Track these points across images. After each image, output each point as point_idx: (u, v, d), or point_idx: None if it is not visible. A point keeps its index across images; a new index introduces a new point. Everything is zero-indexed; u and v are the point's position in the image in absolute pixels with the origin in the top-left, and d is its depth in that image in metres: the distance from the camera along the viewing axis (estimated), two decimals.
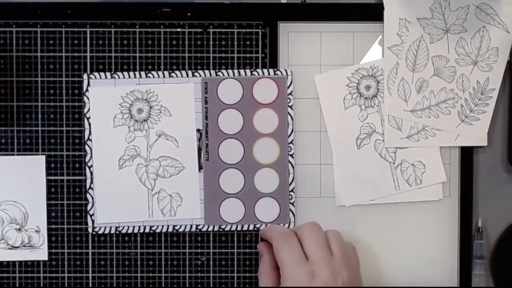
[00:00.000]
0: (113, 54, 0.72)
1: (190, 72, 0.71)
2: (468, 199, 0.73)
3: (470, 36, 0.72)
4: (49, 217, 0.72)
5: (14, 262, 0.72)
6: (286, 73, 0.72)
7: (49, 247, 0.72)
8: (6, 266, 0.73)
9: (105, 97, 0.71)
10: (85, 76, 0.71)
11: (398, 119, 0.72)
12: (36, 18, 0.72)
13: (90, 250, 0.73)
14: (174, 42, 0.72)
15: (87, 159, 0.71)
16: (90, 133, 0.71)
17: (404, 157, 0.73)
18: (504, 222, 0.74)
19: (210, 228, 0.72)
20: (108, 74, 0.71)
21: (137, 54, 0.72)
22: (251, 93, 0.71)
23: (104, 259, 0.73)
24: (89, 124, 0.71)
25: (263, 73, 0.71)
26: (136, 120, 0.71)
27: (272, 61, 0.72)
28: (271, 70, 0.71)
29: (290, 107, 0.72)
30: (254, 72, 0.71)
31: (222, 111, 0.72)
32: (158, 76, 0.71)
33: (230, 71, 0.71)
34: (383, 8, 0.72)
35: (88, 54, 0.72)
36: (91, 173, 0.71)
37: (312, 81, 0.72)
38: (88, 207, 0.72)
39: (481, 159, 0.74)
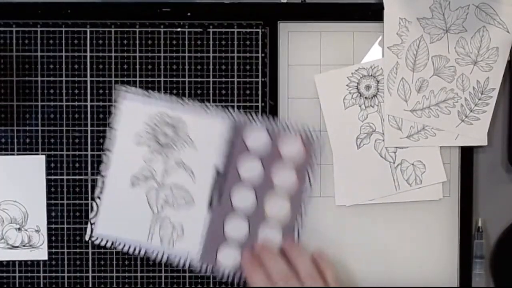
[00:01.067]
0: (113, 54, 0.72)
1: (224, 112, 0.71)
2: (468, 199, 0.73)
3: (470, 36, 0.72)
4: (49, 217, 0.72)
5: (14, 262, 0.72)
6: (317, 139, 0.72)
7: (49, 247, 0.72)
8: (6, 266, 0.73)
9: (135, 113, 0.71)
10: (117, 86, 0.71)
11: (398, 118, 0.72)
12: (36, 18, 0.72)
13: (90, 250, 0.73)
14: (174, 42, 0.72)
15: (102, 168, 0.71)
16: (112, 146, 0.71)
17: (404, 156, 0.73)
18: (504, 222, 0.74)
19: (204, 267, 0.72)
20: (139, 90, 0.71)
21: (137, 54, 0.72)
22: (277, 148, 0.71)
23: (104, 259, 0.73)
24: (113, 135, 0.71)
25: (293, 128, 0.71)
26: (159, 144, 0.70)
27: (272, 61, 0.72)
28: (302, 129, 0.71)
29: (310, 171, 0.71)
30: (285, 127, 0.71)
31: (244, 156, 0.71)
32: (192, 106, 0.71)
33: (260, 117, 0.71)
34: (383, 8, 0.72)
35: (88, 54, 0.72)
36: (103, 182, 0.71)
37: (312, 81, 0.72)
38: (91, 215, 0.72)
39: (481, 159, 0.74)
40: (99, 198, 0.71)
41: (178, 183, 0.71)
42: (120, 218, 0.71)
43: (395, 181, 0.73)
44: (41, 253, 0.72)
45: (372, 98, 0.72)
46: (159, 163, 0.71)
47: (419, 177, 0.73)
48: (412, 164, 0.73)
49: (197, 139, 0.71)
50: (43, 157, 0.72)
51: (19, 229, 0.72)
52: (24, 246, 0.72)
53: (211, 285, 0.73)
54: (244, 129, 0.71)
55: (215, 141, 0.71)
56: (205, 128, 0.71)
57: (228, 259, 0.71)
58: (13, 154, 0.72)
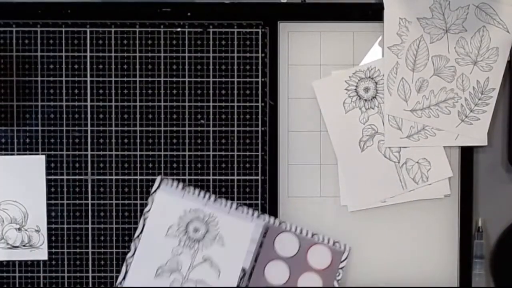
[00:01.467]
0: (113, 54, 0.72)
1: (256, 213, 0.71)
2: (468, 199, 0.73)
3: (470, 36, 0.72)
4: (49, 217, 0.72)
5: (14, 262, 0.72)
6: (345, 248, 0.72)
7: (49, 247, 0.72)
8: (6, 266, 0.73)
9: (169, 206, 0.71)
10: (158, 178, 0.71)
11: (398, 119, 0.72)
12: (36, 18, 0.72)
13: (90, 250, 0.73)
14: (174, 42, 0.72)
15: (128, 255, 0.72)
16: (141, 232, 0.71)
17: (409, 155, 0.73)
18: (504, 222, 0.74)
19: None
20: (180, 185, 0.71)
21: (137, 54, 0.72)
22: (305, 254, 0.71)
23: (104, 259, 0.73)
24: (144, 224, 0.71)
25: (323, 239, 0.71)
26: (189, 237, 0.71)
27: (272, 61, 0.72)
28: (331, 240, 0.71)
29: (337, 280, 0.71)
30: (315, 236, 0.71)
31: (272, 260, 0.71)
32: (225, 206, 0.71)
33: (292, 226, 0.71)
34: (383, 8, 0.72)
35: (88, 54, 0.72)
36: (126, 269, 0.71)
37: (312, 80, 0.72)
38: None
39: (481, 159, 0.74)
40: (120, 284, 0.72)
41: (203, 279, 0.71)
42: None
43: (402, 181, 0.73)
44: (41, 253, 0.72)
45: (371, 99, 0.72)
46: (186, 256, 0.71)
47: (425, 175, 0.73)
48: (417, 162, 0.73)
49: (227, 237, 0.71)
50: (43, 157, 0.72)
51: (19, 229, 0.72)
52: (24, 246, 0.72)
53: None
54: (274, 232, 0.72)
55: (245, 242, 0.71)
56: (236, 227, 0.71)
57: None
58: (13, 154, 0.72)
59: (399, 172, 0.72)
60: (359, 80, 0.72)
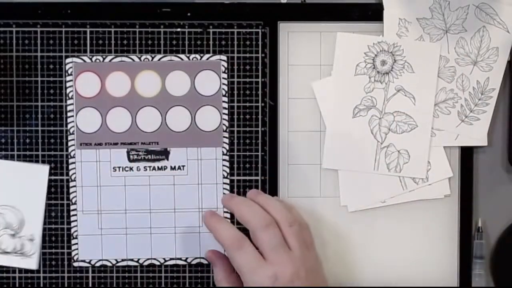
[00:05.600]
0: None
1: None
2: (468, 199, 0.73)
3: (470, 36, 0.72)
4: (49, 217, 0.72)
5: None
6: None
7: (43, 254, 0.72)
8: (3, 266, 0.72)
9: (352, 43, 0.71)
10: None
11: None
12: (36, 18, 0.72)
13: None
14: (174, 42, 0.72)
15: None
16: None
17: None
18: (504, 222, 0.74)
19: None
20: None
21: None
22: None
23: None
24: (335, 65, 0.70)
25: None
26: (378, 72, 0.71)
27: (272, 61, 0.72)
28: None
29: None
30: None
31: None
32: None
33: None
34: (382, 8, 0.72)
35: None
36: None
37: (312, 81, 0.72)
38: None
39: (481, 159, 0.74)
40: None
41: (399, 110, 0.71)
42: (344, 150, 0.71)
43: (401, 181, 0.73)
44: (31, 262, 0.72)
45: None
46: (379, 91, 0.70)
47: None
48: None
49: (414, 63, 0.70)
50: (47, 166, 0.71)
51: (13, 235, 0.71)
52: (15, 253, 0.71)
53: (211, 285, 0.73)
54: None
55: (433, 64, 0.70)
56: (422, 51, 0.70)
57: None
58: (13, 154, 0.72)
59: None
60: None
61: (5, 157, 0.72)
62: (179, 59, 0.72)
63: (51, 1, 0.72)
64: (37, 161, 0.72)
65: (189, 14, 0.72)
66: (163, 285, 0.73)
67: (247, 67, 0.72)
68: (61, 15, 0.72)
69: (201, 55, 0.72)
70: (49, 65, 0.72)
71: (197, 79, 0.72)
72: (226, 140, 0.72)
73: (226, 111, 0.72)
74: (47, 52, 0.72)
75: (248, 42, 0.72)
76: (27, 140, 0.72)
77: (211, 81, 0.72)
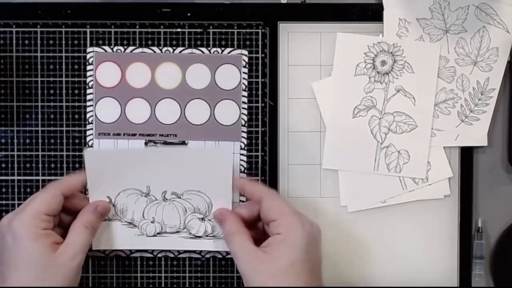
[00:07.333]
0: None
1: None
2: (468, 199, 0.73)
3: (470, 36, 0.72)
4: None
5: None
6: None
7: None
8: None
9: (352, 44, 0.71)
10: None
11: None
12: (36, 18, 0.72)
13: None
14: (174, 42, 0.72)
15: None
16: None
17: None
18: (504, 222, 0.74)
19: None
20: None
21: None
22: None
23: (104, 259, 0.73)
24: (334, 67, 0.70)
25: None
26: (378, 72, 0.70)
27: (272, 61, 0.72)
28: None
29: None
30: None
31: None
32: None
33: None
34: (382, 9, 0.72)
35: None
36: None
37: (312, 81, 0.72)
38: None
39: (481, 159, 0.74)
40: None
41: (399, 110, 0.71)
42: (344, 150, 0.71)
43: (401, 181, 0.73)
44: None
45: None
46: (379, 91, 0.70)
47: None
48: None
49: (414, 63, 0.70)
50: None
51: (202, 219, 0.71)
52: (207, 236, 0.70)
53: (211, 285, 0.73)
54: None
55: (433, 64, 0.70)
56: (422, 51, 0.70)
57: None
58: (13, 155, 0.72)
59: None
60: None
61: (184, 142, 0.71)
62: (200, 52, 0.72)
63: (51, 1, 0.72)
64: (37, 161, 0.72)
65: (189, 14, 0.72)
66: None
67: (247, 67, 0.72)
68: (61, 15, 0.72)
69: (223, 49, 0.72)
70: (49, 65, 0.72)
71: (218, 73, 0.72)
72: (244, 135, 0.72)
73: (245, 106, 0.72)
74: (47, 52, 0.72)
75: (248, 42, 0.72)
76: (27, 140, 0.72)
77: (232, 75, 0.72)
